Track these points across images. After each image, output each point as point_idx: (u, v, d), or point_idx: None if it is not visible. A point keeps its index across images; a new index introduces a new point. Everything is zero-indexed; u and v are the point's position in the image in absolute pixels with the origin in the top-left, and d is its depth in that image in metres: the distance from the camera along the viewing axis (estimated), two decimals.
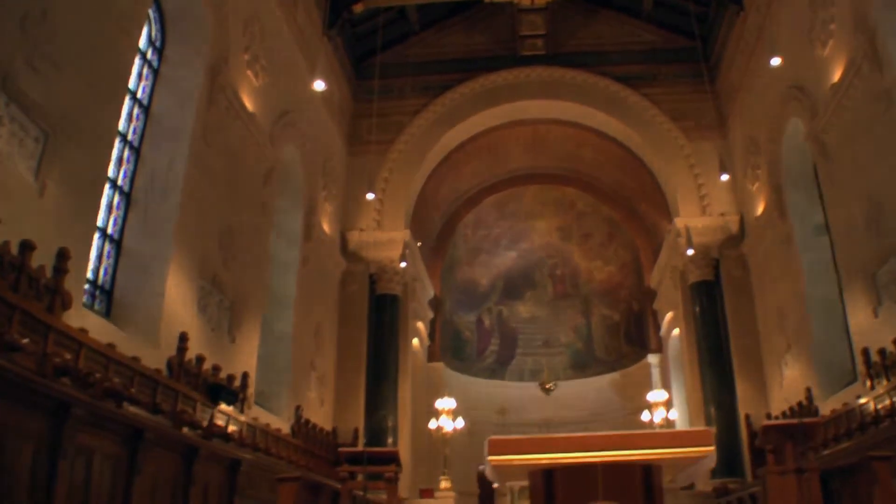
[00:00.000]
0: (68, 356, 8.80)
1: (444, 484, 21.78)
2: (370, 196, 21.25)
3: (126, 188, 13.50)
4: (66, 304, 9.85)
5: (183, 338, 13.36)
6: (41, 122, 10.00)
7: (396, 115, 26.17)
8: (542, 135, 28.44)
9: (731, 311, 23.36)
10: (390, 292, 24.50)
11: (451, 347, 31.22)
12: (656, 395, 23.86)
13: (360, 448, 10.13)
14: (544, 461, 5.31)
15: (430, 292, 28.92)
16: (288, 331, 19.86)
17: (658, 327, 28.83)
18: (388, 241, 24.60)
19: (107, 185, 12.72)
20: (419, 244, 26.42)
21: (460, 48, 27.21)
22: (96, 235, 12.36)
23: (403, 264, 23.48)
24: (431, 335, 29.36)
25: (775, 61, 16.07)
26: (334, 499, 10.04)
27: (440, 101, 26.42)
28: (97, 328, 10.78)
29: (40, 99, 9.94)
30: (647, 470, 5.73)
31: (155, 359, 12.29)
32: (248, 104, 17.11)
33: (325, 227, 22.85)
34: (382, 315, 24.19)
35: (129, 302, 12.80)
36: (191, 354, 13.62)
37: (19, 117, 9.60)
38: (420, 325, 27.68)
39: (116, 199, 13.19)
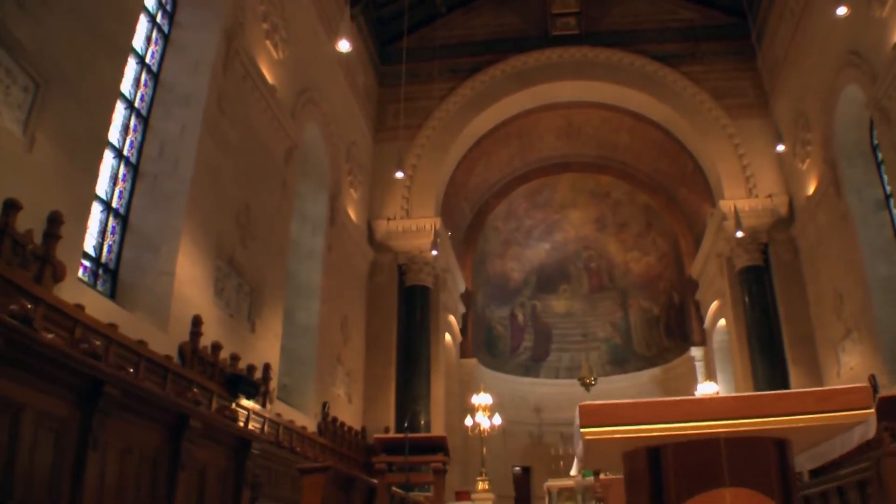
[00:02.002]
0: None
1: (481, 486, 20.36)
2: (399, 175, 19.94)
3: (133, 159, 12.27)
4: (59, 276, 8.63)
5: (196, 322, 12.09)
6: (31, 70, 8.82)
7: (423, 99, 24.96)
8: (575, 120, 27.18)
9: (782, 297, 21.97)
10: (420, 283, 23.25)
11: (484, 343, 29.92)
12: (706, 387, 22.40)
13: (400, 434, 8.09)
14: (657, 432, 3.89)
15: (462, 285, 27.60)
16: (313, 322, 18.61)
17: (701, 319, 27.34)
18: (418, 229, 23.36)
19: (111, 155, 11.61)
20: (449, 234, 25.15)
21: (489, 29, 26.03)
22: (99, 208, 11.21)
23: (434, 252, 22.18)
24: (463, 330, 28.02)
25: (841, 10, 14.72)
26: (369, 496, 8.58)
27: (469, 84, 25.30)
28: (97, 307, 9.56)
29: (30, 43, 8.76)
30: (781, 445, 4.27)
31: (164, 344, 11.02)
32: (268, 76, 15.89)
33: (351, 213, 21.60)
34: (412, 307, 22.95)
35: (135, 282, 11.55)
36: (206, 341, 12.36)
37: (5, 61, 8.41)
38: (452, 318, 26.37)
39: (122, 170, 11.96)
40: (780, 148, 19.09)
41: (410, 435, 8.16)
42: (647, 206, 29.81)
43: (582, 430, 4.15)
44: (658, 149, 26.90)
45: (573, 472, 5.10)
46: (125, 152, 12.06)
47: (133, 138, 12.32)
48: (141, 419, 5.61)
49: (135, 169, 12.24)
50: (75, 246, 9.46)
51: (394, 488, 9.36)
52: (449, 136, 24.84)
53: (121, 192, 11.88)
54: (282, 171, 16.72)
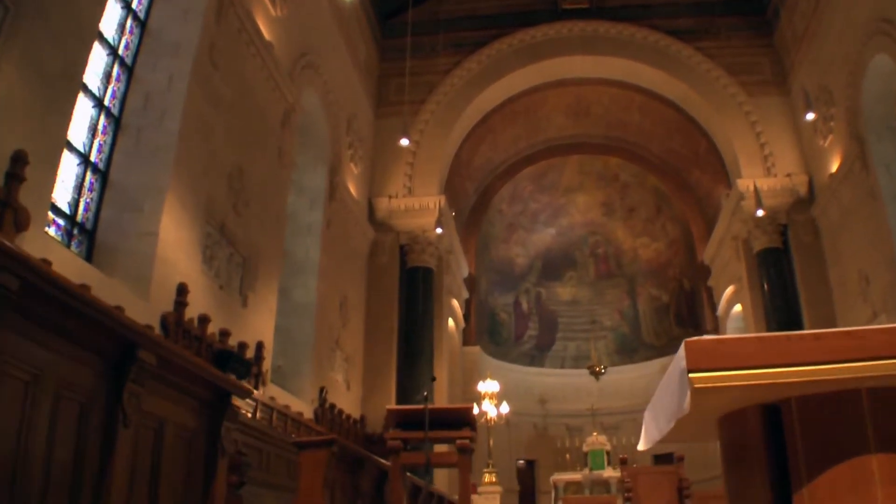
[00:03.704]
0: None
1: (488, 478, 19.32)
2: (404, 142, 18.70)
3: (115, 111, 11.14)
4: (22, 224, 7.52)
5: (182, 290, 10.94)
6: None
7: (427, 74, 23.90)
8: (584, 97, 26.11)
9: (802, 280, 20.93)
10: (423, 265, 22.10)
11: (487, 331, 28.82)
12: None
13: (419, 405, 6.15)
14: (797, 378, 2.72)
15: (465, 269, 26.52)
16: (310, 300, 17.49)
17: (714, 306, 26.27)
18: (421, 207, 22.25)
19: (90, 104, 10.48)
20: (453, 214, 24.05)
21: (496, 2, 24.96)
22: (75, 160, 10.10)
23: (439, 230, 21.07)
24: (466, 317, 26.94)
25: None
26: (379, 480, 7.28)
27: (474, 58, 24.21)
28: (67, 265, 8.42)
29: None
30: None
31: (145, 313, 9.82)
32: (265, 32, 14.77)
33: (352, 189, 20.50)
34: (415, 290, 21.80)
35: (114, 243, 10.38)
36: (192, 312, 11.20)
37: None
38: (455, 303, 25.28)
39: (102, 121, 10.83)
40: (810, 116, 17.96)
41: (433, 406, 6.57)
42: (656, 190, 28.73)
43: (691, 375, 3.00)
44: (670, 128, 25.85)
45: (641, 446, 3.83)
46: (106, 102, 10.93)
47: (116, 88, 11.20)
48: (61, 340, 3.54)
49: (117, 121, 11.11)
50: (43, 193, 8.32)
51: (408, 474, 8.06)
52: (453, 112, 23.75)
53: (100, 145, 10.75)
54: (278, 136, 15.57)
